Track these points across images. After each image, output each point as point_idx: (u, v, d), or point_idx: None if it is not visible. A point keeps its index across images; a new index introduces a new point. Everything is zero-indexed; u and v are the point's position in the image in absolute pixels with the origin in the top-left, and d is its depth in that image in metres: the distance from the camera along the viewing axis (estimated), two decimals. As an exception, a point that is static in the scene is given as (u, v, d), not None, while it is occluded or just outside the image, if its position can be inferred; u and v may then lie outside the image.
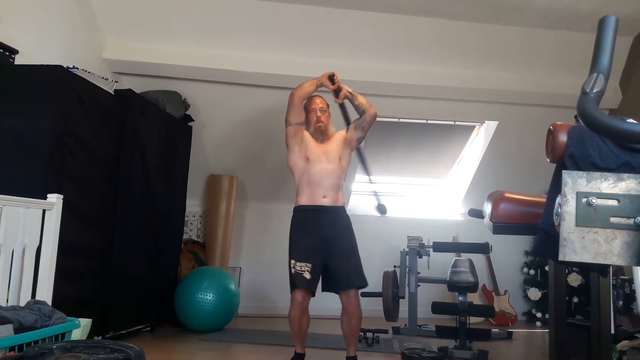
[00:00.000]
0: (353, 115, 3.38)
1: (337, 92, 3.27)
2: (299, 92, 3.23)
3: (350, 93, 3.27)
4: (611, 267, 2.49)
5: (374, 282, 4.53)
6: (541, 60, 4.59)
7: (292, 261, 3.10)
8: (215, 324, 4.27)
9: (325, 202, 3.14)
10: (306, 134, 3.29)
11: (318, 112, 3.27)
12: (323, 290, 3.17)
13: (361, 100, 3.27)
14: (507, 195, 2.26)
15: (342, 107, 3.38)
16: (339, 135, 3.33)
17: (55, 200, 2.49)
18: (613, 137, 1.35)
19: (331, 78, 3.26)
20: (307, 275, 3.03)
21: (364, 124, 3.29)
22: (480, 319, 5.27)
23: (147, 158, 3.91)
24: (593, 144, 1.62)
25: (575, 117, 1.48)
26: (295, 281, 3.06)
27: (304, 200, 3.18)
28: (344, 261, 3.09)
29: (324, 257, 3.08)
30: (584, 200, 1.28)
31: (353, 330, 3.13)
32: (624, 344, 2.96)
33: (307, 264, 3.04)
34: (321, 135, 3.26)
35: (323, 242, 3.09)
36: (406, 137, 5.53)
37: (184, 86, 4.57)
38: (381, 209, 3.80)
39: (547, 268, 3.20)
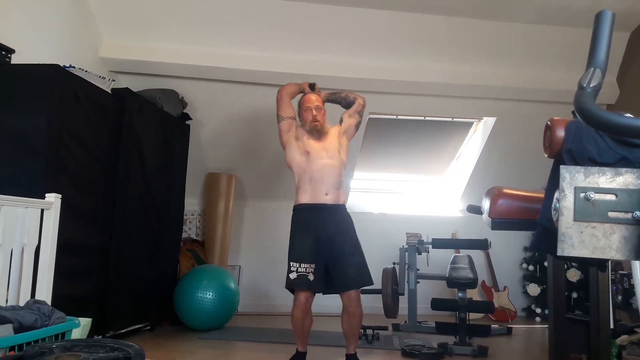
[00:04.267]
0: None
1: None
2: (286, 89, 3.37)
3: (332, 94, 3.44)
4: (610, 262, 2.50)
5: (374, 279, 4.52)
6: (539, 56, 4.58)
7: (294, 264, 3.00)
8: (215, 323, 4.27)
9: (328, 200, 3.09)
10: (300, 129, 3.28)
11: (314, 110, 3.21)
12: (324, 292, 3.09)
13: (345, 93, 3.45)
14: (506, 191, 2.26)
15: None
16: (334, 130, 3.31)
17: (53, 199, 2.49)
18: (610, 132, 1.35)
19: (311, 86, 3.45)
20: (311, 277, 2.95)
21: (358, 109, 3.42)
22: (480, 315, 5.28)
23: (145, 157, 3.90)
24: (590, 139, 1.62)
25: (573, 112, 1.49)
26: (298, 284, 2.98)
27: (306, 199, 3.11)
28: (346, 261, 3.02)
29: (326, 257, 3.02)
30: (582, 195, 1.28)
31: (353, 328, 3.10)
32: (623, 339, 2.97)
33: (311, 265, 2.97)
34: (318, 133, 3.21)
35: (325, 242, 3.02)
36: (404, 134, 5.53)
37: (182, 84, 4.56)
38: None
39: (546, 264, 3.21)
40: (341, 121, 3.38)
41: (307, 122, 3.22)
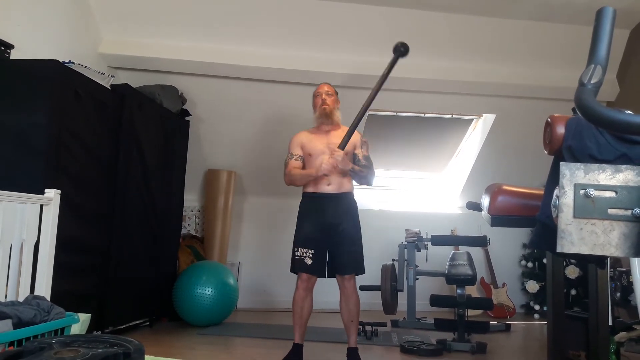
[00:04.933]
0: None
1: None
2: (290, 181, 3.24)
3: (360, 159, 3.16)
4: (609, 259, 2.50)
5: (373, 275, 4.54)
6: (539, 53, 4.58)
7: (295, 248, 3.18)
8: (214, 319, 4.28)
9: (330, 189, 3.18)
10: (304, 134, 3.30)
11: (323, 94, 3.28)
12: (327, 276, 3.22)
13: (365, 172, 3.17)
14: (505, 187, 2.26)
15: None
16: (353, 137, 3.15)
17: (52, 195, 2.48)
18: (611, 129, 1.35)
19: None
20: (308, 261, 3.11)
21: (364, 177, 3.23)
22: (479, 312, 5.29)
23: (145, 153, 3.90)
24: (590, 135, 1.61)
25: (573, 109, 1.48)
26: (297, 267, 3.14)
27: (310, 188, 3.24)
28: (344, 248, 3.13)
29: (327, 243, 3.15)
30: (582, 191, 1.28)
31: (352, 315, 3.16)
32: (621, 336, 2.97)
33: (309, 250, 3.12)
34: (326, 118, 3.24)
35: (326, 228, 3.14)
36: (404, 131, 5.53)
37: (181, 80, 4.56)
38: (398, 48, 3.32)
39: (545, 260, 3.21)
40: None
41: (317, 107, 3.29)
